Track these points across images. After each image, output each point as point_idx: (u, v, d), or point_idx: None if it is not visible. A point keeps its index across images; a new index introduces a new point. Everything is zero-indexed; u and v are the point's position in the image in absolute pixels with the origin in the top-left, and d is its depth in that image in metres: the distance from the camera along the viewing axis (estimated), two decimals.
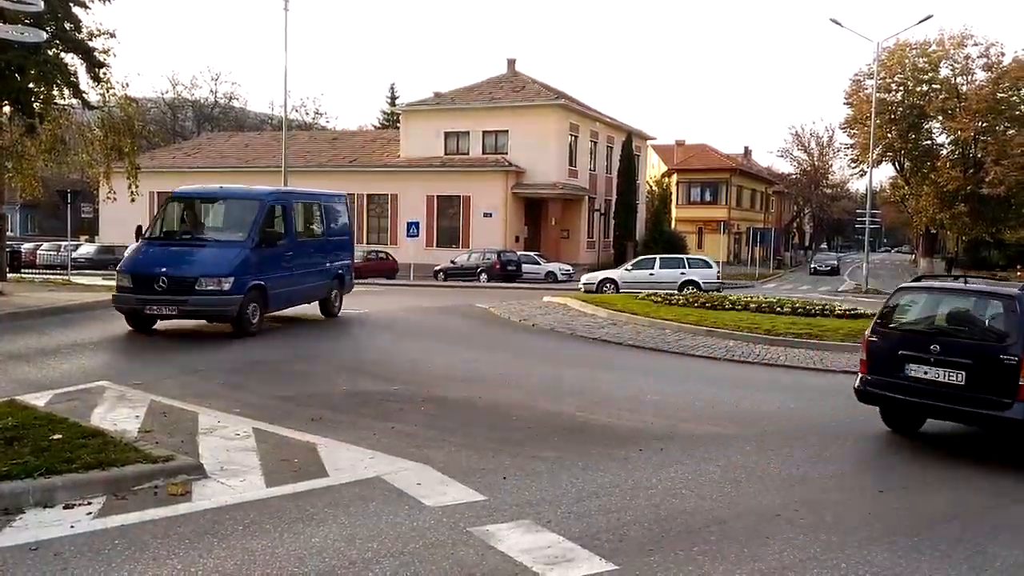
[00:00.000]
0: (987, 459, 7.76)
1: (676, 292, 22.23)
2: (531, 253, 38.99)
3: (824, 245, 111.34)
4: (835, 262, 60.23)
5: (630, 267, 30.62)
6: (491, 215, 41.45)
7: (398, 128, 48.86)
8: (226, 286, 12.20)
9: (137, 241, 13.79)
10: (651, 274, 29.21)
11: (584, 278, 30.62)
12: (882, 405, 8.40)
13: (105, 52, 23.16)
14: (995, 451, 8.10)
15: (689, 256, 35.82)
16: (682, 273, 29.43)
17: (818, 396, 10.72)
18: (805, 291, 34.62)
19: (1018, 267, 45.05)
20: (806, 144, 76.21)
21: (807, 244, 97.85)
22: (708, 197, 66.07)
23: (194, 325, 13.96)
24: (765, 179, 75.96)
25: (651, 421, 8.68)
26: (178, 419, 7.85)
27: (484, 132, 43.47)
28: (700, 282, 28.43)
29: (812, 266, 60.03)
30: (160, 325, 13.64)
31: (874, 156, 42.59)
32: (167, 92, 68.85)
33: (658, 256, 32.05)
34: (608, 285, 28.61)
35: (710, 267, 31.07)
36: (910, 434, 8.55)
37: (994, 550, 5.24)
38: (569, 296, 22.22)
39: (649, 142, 58.28)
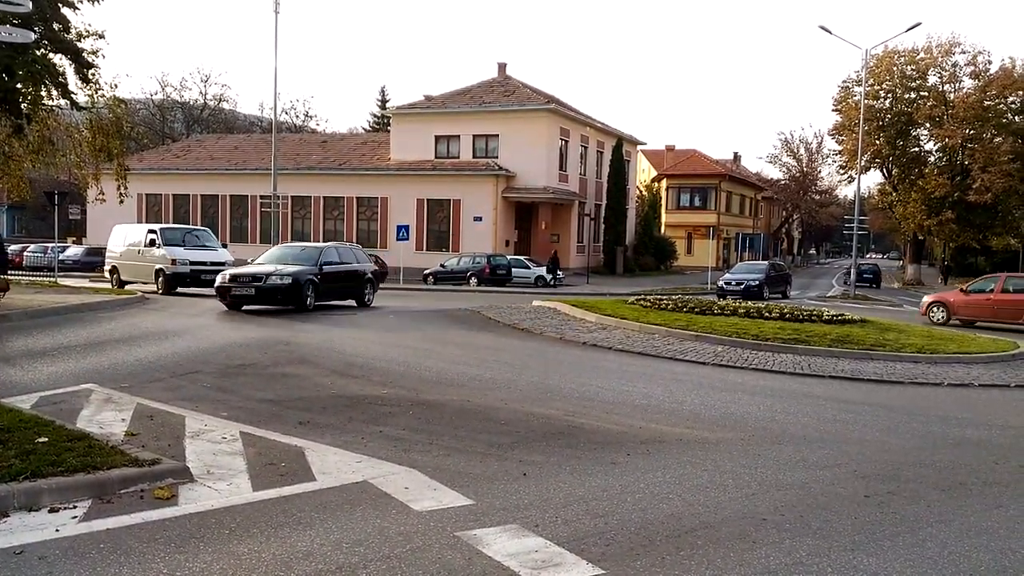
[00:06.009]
0: (976, 464, 7.80)
1: (665, 297, 22.28)
2: (521, 257, 39.01)
3: (804, 250, 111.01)
4: (756, 278, 31.85)
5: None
6: (481, 219, 41.46)
7: (388, 131, 48.81)
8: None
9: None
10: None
11: None
12: None
13: (94, 53, 23.01)
14: (985, 457, 8.16)
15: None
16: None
17: (805, 401, 10.78)
18: (793, 296, 34.76)
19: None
20: (795, 150, 76.83)
21: (796, 250, 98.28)
22: (698, 202, 66.38)
23: (190, 326, 13.92)
24: (754, 185, 76.35)
25: (639, 425, 8.70)
26: (165, 422, 7.82)
27: (475, 136, 43.51)
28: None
29: (720, 284, 32.75)
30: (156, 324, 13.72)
31: (862, 163, 42.86)
32: (156, 93, 68.65)
33: None
34: None
35: None
36: (896, 439, 8.61)
37: (980, 556, 5.27)
38: (559, 300, 22.23)
39: (639, 147, 58.45)
